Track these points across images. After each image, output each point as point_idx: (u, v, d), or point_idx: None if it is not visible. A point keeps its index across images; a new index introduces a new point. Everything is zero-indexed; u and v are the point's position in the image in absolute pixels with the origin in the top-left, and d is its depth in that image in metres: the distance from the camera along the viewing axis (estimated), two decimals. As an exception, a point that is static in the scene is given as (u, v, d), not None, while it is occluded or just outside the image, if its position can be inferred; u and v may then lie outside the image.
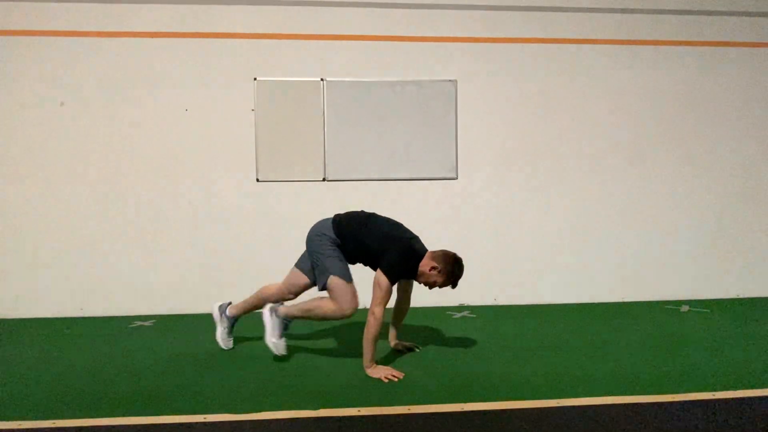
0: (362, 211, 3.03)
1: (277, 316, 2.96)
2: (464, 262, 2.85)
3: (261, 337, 3.35)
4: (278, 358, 2.99)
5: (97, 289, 4.20)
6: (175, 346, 3.30)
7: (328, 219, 2.98)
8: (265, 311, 2.99)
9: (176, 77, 4.22)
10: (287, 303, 3.09)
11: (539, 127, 4.49)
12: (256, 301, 3.15)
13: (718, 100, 4.61)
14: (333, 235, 2.88)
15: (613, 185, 4.55)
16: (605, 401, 2.38)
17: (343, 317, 2.85)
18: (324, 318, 2.90)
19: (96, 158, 4.19)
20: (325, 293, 2.89)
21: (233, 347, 3.20)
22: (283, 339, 2.98)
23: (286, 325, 2.99)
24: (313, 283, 3.00)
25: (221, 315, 3.21)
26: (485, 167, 4.46)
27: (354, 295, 2.85)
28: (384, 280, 2.70)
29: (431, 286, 2.85)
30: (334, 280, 2.82)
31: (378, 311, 2.69)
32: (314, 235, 2.93)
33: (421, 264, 2.81)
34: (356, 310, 2.86)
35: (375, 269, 2.82)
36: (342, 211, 3.04)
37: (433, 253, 2.84)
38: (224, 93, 4.25)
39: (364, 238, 2.85)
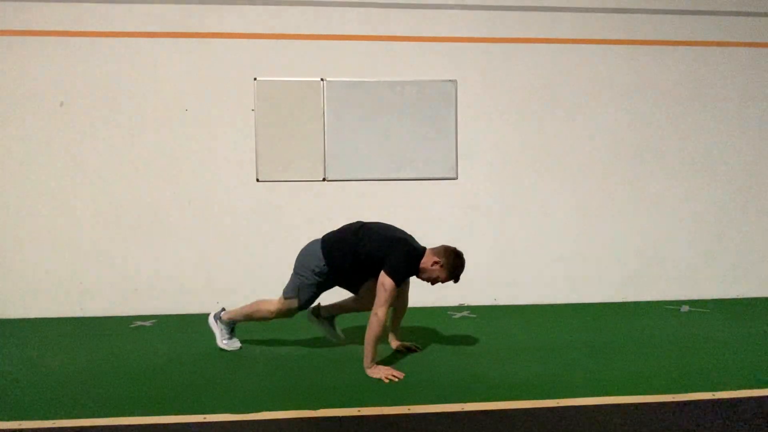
0: (352, 224, 3.01)
1: (222, 322, 3.18)
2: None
3: (260, 338, 3.37)
4: (278, 358, 3.00)
5: (97, 289, 4.20)
6: (175, 346, 3.30)
7: (316, 242, 2.99)
8: (210, 319, 3.21)
9: (176, 77, 4.22)
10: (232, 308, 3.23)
11: (539, 127, 4.49)
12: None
13: (718, 101, 4.61)
14: (321, 264, 2.90)
15: (613, 185, 4.55)
16: (605, 401, 2.38)
17: (271, 315, 3.05)
18: (261, 319, 3.10)
19: (96, 158, 4.19)
20: (267, 297, 3.11)
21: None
22: (234, 338, 3.21)
23: (232, 327, 3.21)
24: (309, 302, 3.05)
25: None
26: (485, 167, 4.46)
27: (290, 314, 3.05)
28: (389, 281, 2.70)
29: (434, 281, 2.86)
30: (291, 304, 2.99)
31: (381, 312, 2.69)
32: (302, 264, 2.97)
33: (423, 261, 2.82)
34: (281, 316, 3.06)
35: (377, 275, 2.80)
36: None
37: (433, 249, 2.85)
38: (224, 93, 4.25)
39: (362, 249, 2.84)
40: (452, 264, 2.80)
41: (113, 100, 4.18)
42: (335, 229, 3.03)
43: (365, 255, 2.83)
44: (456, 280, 2.86)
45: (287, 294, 2.99)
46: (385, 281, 2.71)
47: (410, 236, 2.94)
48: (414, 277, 2.93)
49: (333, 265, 2.89)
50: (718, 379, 2.64)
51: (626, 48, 4.53)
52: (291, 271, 3.05)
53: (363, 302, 3.05)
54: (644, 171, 4.57)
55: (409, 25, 4.37)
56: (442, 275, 2.82)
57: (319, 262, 2.90)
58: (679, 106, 4.58)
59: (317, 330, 3.23)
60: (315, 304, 3.13)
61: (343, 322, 3.29)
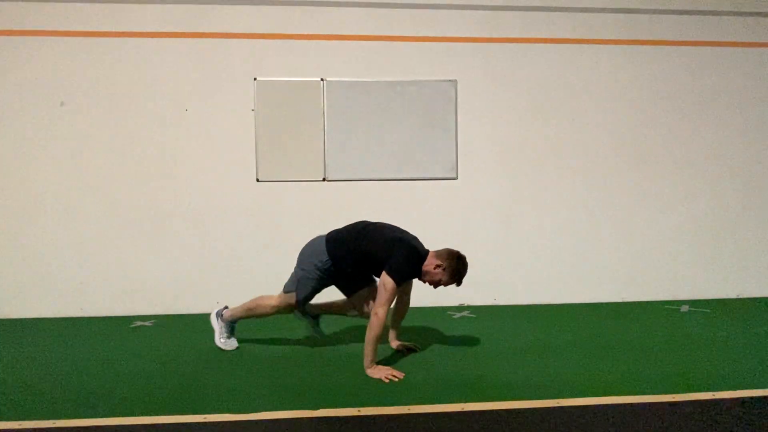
0: (357, 223, 3.04)
1: (224, 320, 3.20)
2: (465, 262, 2.86)
3: (260, 338, 3.37)
4: (278, 358, 3.00)
5: (97, 289, 4.20)
6: (175, 346, 3.30)
7: (321, 238, 3.00)
8: (212, 316, 3.24)
9: (176, 77, 4.22)
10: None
11: (539, 127, 4.49)
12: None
13: (719, 101, 4.61)
14: (324, 259, 2.91)
15: (613, 185, 4.55)
16: (605, 401, 2.38)
17: (272, 309, 3.05)
18: (263, 314, 3.10)
19: (96, 158, 4.18)
20: (267, 294, 3.12)
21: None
22: (233, 338, 3.21)
23: (233, 327, 3.23)
24: (307, 299, 3.06)
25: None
26: (485, 167, 4.46)
27: (291, 309, 3.05)
28: (390, 281, 2.71)
29: (436, 284, 2.87)
30: (290, 299, 2.99)
31: (381, 312, 2.69)
32: (305, 258, 2.99)
33: (425, 263, 2.83)
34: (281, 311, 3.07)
35: (379, 275, 2.82)
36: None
37: (436, 252, 2.86)
38: (224, 93, 4.25)
39: (366, 248, 2.86)
40: (454, 268, 2.80)
41: (113, 100, 4.18)
42: (340, 227, 3.04)
43: (368, 254, 2.85)
44: (458, 283, 2.86)
45: (287, 288, 3.01)
46: (386, 281, 2.72)
47: (414, 237, 2.95)
48: (416, 279, 2.94)
49: (336, 261, 2.91)
50: (718, 379, 2.64)
51: (626, 48, 4.52)
52: (291, 272, 3.05)
53: (352, 307, 3.10)
54: (644, 171, 4.57)
55: (409, 25, 4.37)
56: (444, 278, 2.82)
57: (322, 257, 2.92)
58: (679, 106, 4.58)
59: (304, 325, 3.28)
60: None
61: (342, 322, 3.30)
